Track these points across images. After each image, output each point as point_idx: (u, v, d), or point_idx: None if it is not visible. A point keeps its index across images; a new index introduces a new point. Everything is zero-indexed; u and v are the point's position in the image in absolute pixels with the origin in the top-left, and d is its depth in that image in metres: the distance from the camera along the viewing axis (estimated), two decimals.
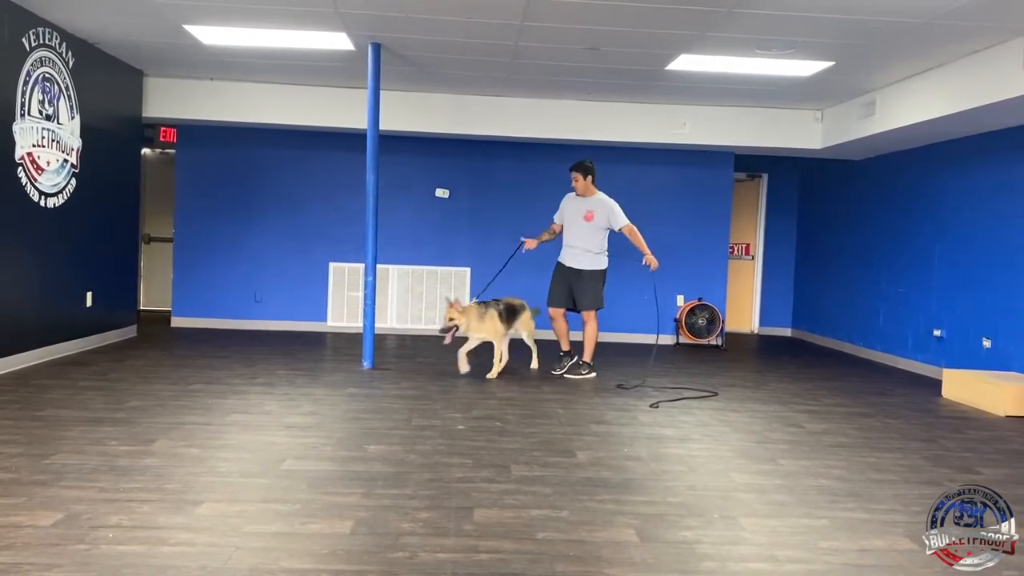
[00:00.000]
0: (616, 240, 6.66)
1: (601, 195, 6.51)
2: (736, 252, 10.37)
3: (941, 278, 7.48)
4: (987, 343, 6.77)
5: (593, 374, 6.57)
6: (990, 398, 5.83)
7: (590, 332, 6.53)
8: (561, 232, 6.67)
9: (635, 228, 6.46)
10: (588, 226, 6.45)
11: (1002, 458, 4.49)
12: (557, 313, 6.60)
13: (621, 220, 6.44)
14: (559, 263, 6.62)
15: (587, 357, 6.57)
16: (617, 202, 6.49)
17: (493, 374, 6.34)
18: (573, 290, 6.51)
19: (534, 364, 6.83)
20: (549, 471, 3.83)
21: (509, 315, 6.40)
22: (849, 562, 2.86)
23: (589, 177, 6.46)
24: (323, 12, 5.67)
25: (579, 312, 6.55)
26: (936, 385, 6.62)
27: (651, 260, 6.43)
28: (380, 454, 4.02)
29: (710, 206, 9.32)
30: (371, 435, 4.41)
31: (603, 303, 6.55)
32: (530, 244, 6.67)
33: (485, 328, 6.27)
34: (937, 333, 7.44)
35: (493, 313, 6.27)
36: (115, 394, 5.18)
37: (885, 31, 5.56)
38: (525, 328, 6.61)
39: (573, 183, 6.52)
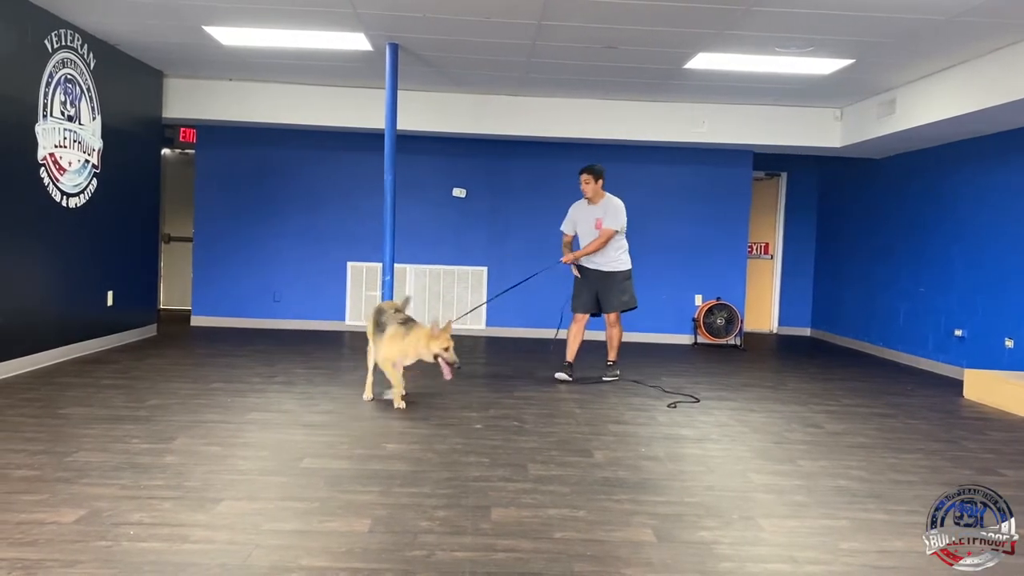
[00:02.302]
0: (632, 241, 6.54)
1: (607, 197, 6.32)
2: (755, 251, 10.31)
3: (962, 278, 7.40)
4: (1009, 343, 6.70)
5: (618, 374, 6.46)
6: (1013, 399, 5.76)
7: (617, 334, 6.43)
8: (573, 239, 6.48)
9: (611, 237, 6.16)
10: (599, 231, 6.25)
11: None
12: (583, 319, 6.41)
13: (610, 222, 6.18)
14: (581, 267, 6.39)
15: (614, 356, 6.47)
16: (624, 202, 6.29)
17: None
18: (600, 292, 6.33)
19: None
20: (566, 470, 3.83)
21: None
22: (869, 563, 2.84)
23: (600, 181, 6.26)
24: (341, 13, 5.69)
25: (605, 314, 6.37)
26: (957, 386, 6.55)
27: (569, 258, 6.27)
28: (398, 453, 4.04)
29: (729, 205, 9.27)
30: (388, 434, 4.42)
31: (636, 302, 6.39)
32: (567, 259, 6.34)
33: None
34: (958, 333, 7.37)
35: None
36: (136, 392, 5.23)
37: (905, 29, 5.51)
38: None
39: (583, 186, 6.27)
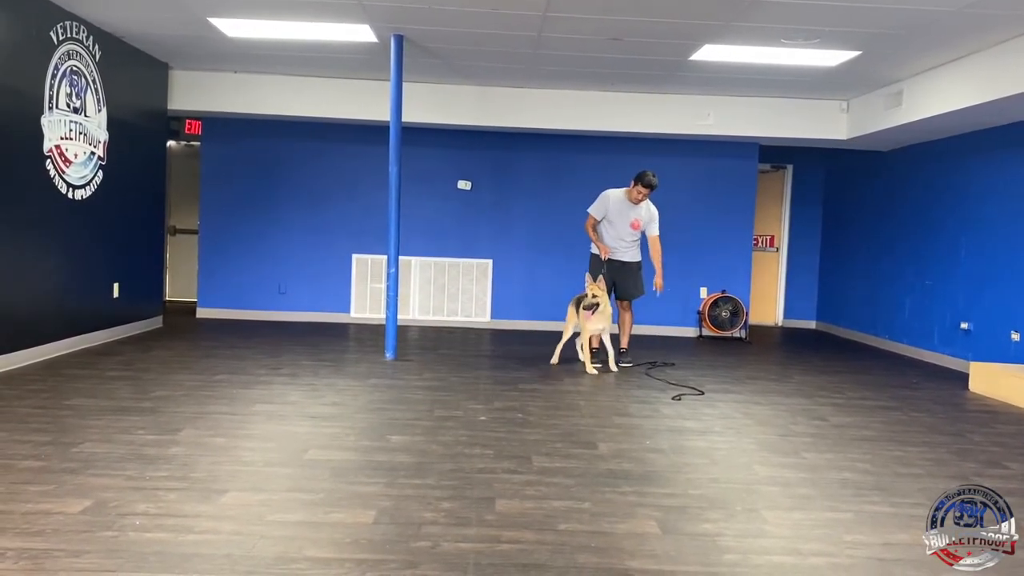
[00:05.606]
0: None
1: (647, 201, 6.71)
2: (760, 244, 10.29)
3: (968, 270, 7.38)
4: (1016, 336, 6.67)
5: (630, 360, 6.83)
6: (1018, 392, 5.74)
7: (630, 319, 6.89)
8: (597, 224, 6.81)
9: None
10: (634, 231, 6.72)
11: None
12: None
13: (655, 228, 6.72)
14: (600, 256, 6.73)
15: (626, 344, 6.86)
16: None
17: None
18: (617, 280, 6.69)
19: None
20: (571, 462, 3.84)
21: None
22: (873, 556, 2.84)
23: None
24: (346, 4, 5.68)
25: (622, 301, 6.79)
26: (963, 379, 6.54)
27: (660, 284, 6.70)
28: (403, 444, 4.04)
29: (734, 197, 9.24)
30: (394, 425, 4.43)
31: (644, 290, 6.84)
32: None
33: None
34: (964, 326, 7.35)
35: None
36: (141, 384, 5.25)
37: (912, 20, 5.48)
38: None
39: (640, 197, 6.52)
